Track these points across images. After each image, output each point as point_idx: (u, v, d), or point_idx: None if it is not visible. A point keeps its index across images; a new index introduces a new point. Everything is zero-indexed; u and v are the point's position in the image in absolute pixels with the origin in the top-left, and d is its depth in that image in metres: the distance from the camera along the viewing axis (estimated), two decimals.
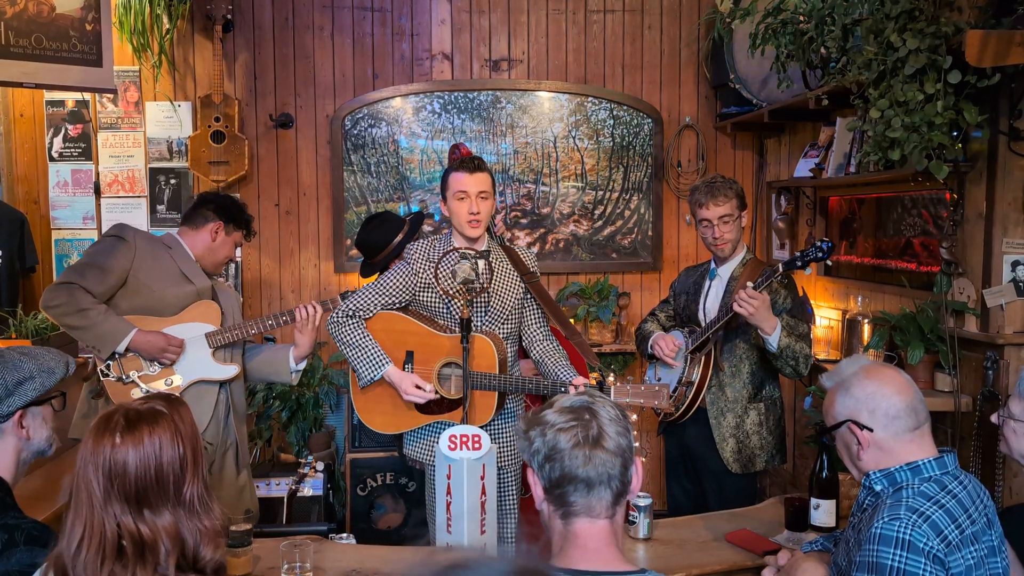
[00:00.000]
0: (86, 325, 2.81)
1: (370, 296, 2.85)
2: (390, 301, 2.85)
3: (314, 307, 3.03)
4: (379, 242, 3.52)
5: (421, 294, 2.83)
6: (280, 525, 3.67)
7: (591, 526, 1.50)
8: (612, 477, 1.48)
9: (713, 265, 3.14)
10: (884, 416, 1.75)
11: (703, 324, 3.04)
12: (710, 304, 3.08)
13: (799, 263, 2.81)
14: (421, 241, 2.95)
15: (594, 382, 2.72)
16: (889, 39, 2.63)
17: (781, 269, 2.83)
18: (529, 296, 2.92)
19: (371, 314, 2.84)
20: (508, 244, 3.24)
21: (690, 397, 3.00)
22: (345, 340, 2.81)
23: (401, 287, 2.85)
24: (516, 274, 2.89)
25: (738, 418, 3.00)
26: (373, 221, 3.66)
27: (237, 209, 3.13)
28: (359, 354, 2.79)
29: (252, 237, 3.23)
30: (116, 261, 2.88)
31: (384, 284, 2.86)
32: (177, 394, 2.85)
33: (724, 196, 2.99)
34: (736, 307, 2.79)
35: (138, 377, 2.90)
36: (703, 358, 3.01)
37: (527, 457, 1.55)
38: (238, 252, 3.19)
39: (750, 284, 2.81)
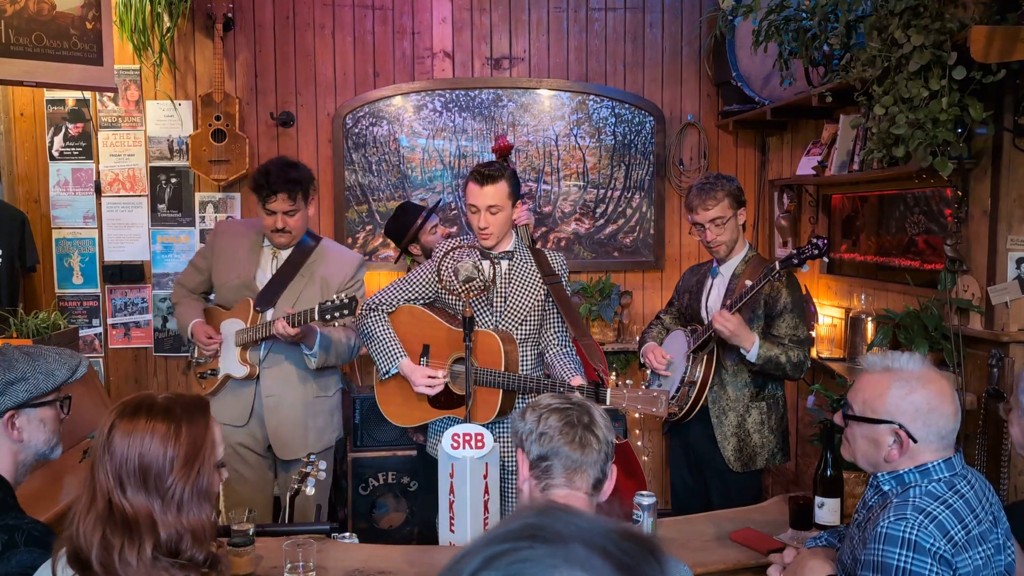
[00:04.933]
0: (176, 316, 3.31)
1: (394, 292, 2.92)
2: (413, 297, 2.90)
3: (283, 326, 2.89)
4: (400, 230, 3.90)
5: (443, 292, 2.86)
6: (282, 524, 3.66)
7: (570, 495, 1.63)
8: (595, 462, 1.66)
9: (715, 264, 3.13)
10: (936, 434, 1.71)
11: (705, 323, 3.02)
12: (712, 302, 3.07)
13: (796, 261, 2.80)
14: (450, 240, 2.96)
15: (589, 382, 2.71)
16: (893, 35, 2.62)
17: (778, 267, 2.83)
18: (550, 300, 2.90)
19: (393, 308, 2.90)
20: (536, 245, 3.25)
21: (693, 397, 2.99)
22: (366, 332, 2.87)
23: (425, 284, 2.90)
24: (539, 277, 2.88)
25: (740, 417, 2.99)
26: (397, 211, 4.04)
27: (255, 176, 3.08)
28: (378, 347, 2.85)
29: (269, 195, 2.99)
30: (200, 260, 3.30)
31: (409, 281, 2.93)
32: (212, 388, 3.13)
33: (713, 199, 2.96)
34: (715, 325, 2.85)
35: (202, 362, 3.23)
36: (705, 357, 3.00)
37: (520, 438, 1.72)
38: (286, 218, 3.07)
39: (726, 306, 2.88)
